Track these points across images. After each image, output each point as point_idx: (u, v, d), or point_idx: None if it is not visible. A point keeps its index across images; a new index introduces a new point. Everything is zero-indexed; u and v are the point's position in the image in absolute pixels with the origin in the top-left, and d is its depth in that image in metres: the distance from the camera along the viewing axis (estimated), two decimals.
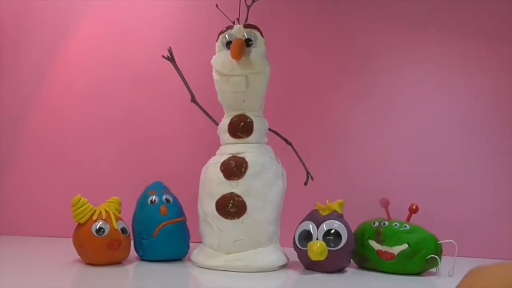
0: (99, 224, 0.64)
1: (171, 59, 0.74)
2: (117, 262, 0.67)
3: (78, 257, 0.67)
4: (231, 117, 0.70)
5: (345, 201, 0.67)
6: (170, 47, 0.74)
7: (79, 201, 0.64)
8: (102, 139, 0.97)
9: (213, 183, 0.67)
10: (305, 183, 0.75)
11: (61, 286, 0.54)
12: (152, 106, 0.97)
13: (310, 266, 0.66)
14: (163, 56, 0.74)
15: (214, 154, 0.71)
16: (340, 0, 0.94)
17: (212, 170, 0.68)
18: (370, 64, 0.93)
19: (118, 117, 0.98)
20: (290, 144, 0.75)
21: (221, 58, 0.69)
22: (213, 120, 0.75)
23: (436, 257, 0.65)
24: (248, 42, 0.69)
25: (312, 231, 0.65)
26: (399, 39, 0.93)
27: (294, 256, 0.68)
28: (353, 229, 0.68)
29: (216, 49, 0.71)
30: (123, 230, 0.66)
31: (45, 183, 0.98)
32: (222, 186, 0.66)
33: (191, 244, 0.73)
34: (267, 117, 0.73)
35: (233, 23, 0.71)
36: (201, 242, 0.70)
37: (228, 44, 0.69)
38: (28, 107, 0.99)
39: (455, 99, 0.90)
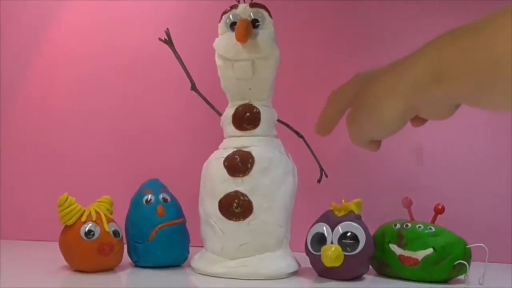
0: (88, 226, 0.61)
1: (168, 42, 0.71)
2: (109, 269, 0.64)
3: (65, 263, 0.64)
4: (235, 107, 0.66)
5: (363, 201, 0.64)
6: (167, 29, 0.71)
7: (66, 201, 0.61)
8: (91, 132, 0.94)
9: (215, 181, 0.64)
10: (319, 181, 0.72)
11: None
12: (147, 95, 0.94)
13: (324, 273, 0.63)
14: (160, 39, 0.71)
15: (217, 148, 0.68)
16: None
17: (214, 166, 0.65)
18: (388, 47, 0.89)
19: (110, 108, 0.94)
20: (301, 137, 0.72)
21: (224, 41, 0.65)
22: (216, 110, 0.71)
23: (465, 262, 0.61)
24: (254, 23, 0.65)
25: (326, 234, 0.62)
26: (419, 19, 0.87)
27: (306, 262, 0.65)
28: (372, 232, 0.65)
29: (219, 31, 0.67)
30: (116, 233, 0.63)
31: (28, 180, 0.94)
32: (225, 184, 0.63)
33: (191, 249, 0.70)
34: (276, 107, 0.69)
35: (238, 2, 0.67)
36: (202, 246, 0.67)
37: (233, 25, 0.65)
38: (8, 100, 0.96)
39: None
